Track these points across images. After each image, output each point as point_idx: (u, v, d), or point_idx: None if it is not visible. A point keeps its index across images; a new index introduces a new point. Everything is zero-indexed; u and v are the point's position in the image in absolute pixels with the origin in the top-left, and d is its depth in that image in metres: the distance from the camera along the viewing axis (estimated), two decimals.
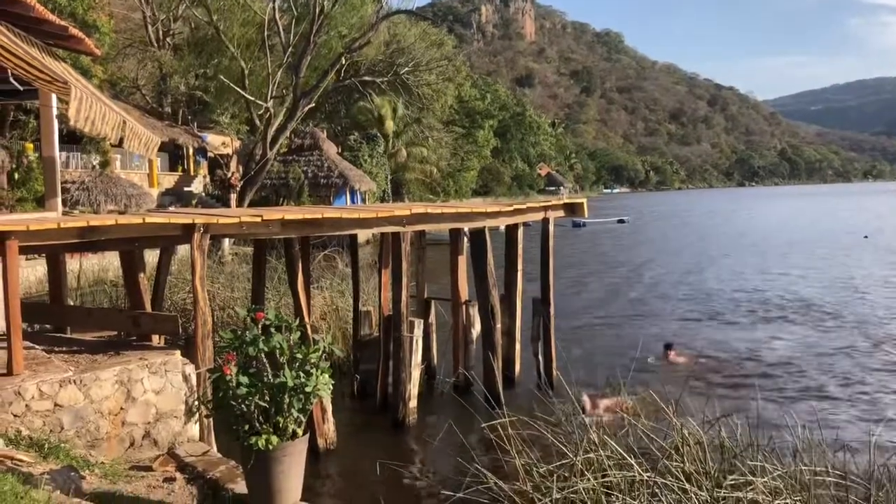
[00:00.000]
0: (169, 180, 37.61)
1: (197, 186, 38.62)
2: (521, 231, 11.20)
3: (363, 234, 17.42)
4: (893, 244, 34.86)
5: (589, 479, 5.45)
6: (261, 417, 4.50)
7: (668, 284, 23.02)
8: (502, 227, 11.23)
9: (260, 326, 4.62)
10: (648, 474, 5.45)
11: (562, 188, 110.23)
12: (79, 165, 28.66)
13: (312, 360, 4.61)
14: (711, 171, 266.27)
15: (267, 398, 4.49)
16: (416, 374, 9.48)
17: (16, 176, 23.65)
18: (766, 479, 5.31)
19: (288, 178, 36.16)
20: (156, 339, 7.44)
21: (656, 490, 5.30)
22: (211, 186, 39.04)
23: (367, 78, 39.91)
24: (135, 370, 5.96)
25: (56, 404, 5.48)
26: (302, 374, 4.54)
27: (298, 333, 4.75)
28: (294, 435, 4.57)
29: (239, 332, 4.63)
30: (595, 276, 25.36)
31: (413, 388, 9.38)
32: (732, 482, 5.36)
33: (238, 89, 33.52)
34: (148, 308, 7.75)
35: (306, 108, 33.76)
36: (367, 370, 10.33)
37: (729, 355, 13.19)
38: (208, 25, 34.37)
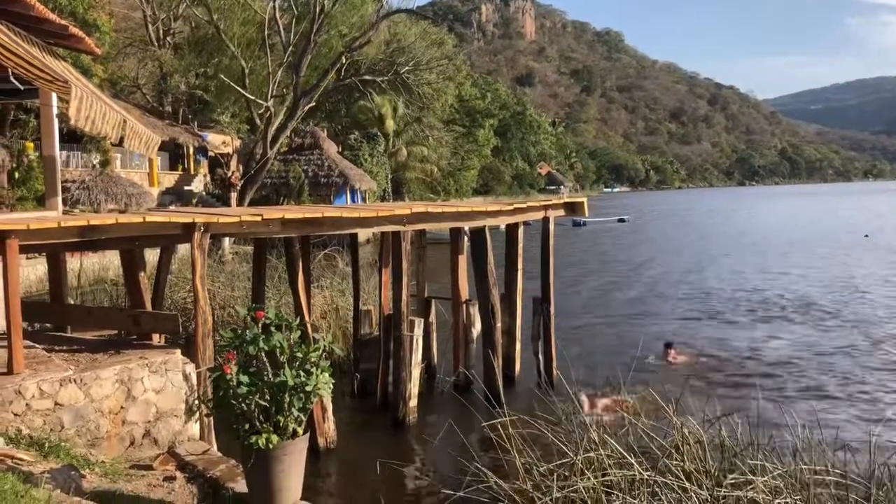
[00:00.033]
0: (169, 179, 37.63)
1: (197, 185, 38.63)
2: (521, 230, 11.20)
3: (363, 234, 17.43)
4: (894, 243, 34.85)
5: (589, 478, 5.45)
6: (261, 416, 4.50)
7: (669, 283, 23.02)
8: (503, 227, 11.23)
9: (260, 325, 4.62)
10: (649, 473, 5.45)
11: (562, 187, 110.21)
12: (79, 164, 28.66)
13: (313, 359, 4.61)
14: (712, 171, 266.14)
15: (267, 397, 4.49)
16: (416, 373, 9.49)
17: (16, 175, 23.67)
18: (766, 479, 5.32)
19: (288, 177, 36.16)
20: (156, 338, 7.44)
21: (656, 489, 5.30)
22: (211, 185, 39.05)
23: (367, 77, 39.90)
24: (135, 369, 5.96)
25: (56, 403, 5.49)
26: (302, 373, 4.54)
27: (299, 332, 4.75)
28: (294, 434, 4.57)
29: (239, 331, 4.64)
30: (595, 275, 25.37)
31: (413, 387, 9.39)
32: (732, 481, 5.37)
33: (238, 88, 33.52)
34: (148, 307, 7.75)
35: (307, 108, 33.75)
36: (368, 369, 10.34)
37: (729, 354, 13.19)
38: (208, 24, 34.36)
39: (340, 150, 43.84)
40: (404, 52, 40.50)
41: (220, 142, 40.10)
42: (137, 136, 7.49)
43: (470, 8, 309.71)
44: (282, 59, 33.62)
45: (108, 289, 16.43)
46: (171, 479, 5.29)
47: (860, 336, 14.64)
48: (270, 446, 4.41)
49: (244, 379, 4.44)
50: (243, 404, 4.45)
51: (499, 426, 6.33)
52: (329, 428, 8.48)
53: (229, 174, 33.56)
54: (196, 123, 39.66)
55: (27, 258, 16.42)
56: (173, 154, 38.84)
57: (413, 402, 9.38)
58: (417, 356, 9.55)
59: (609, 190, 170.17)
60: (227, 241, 24.65)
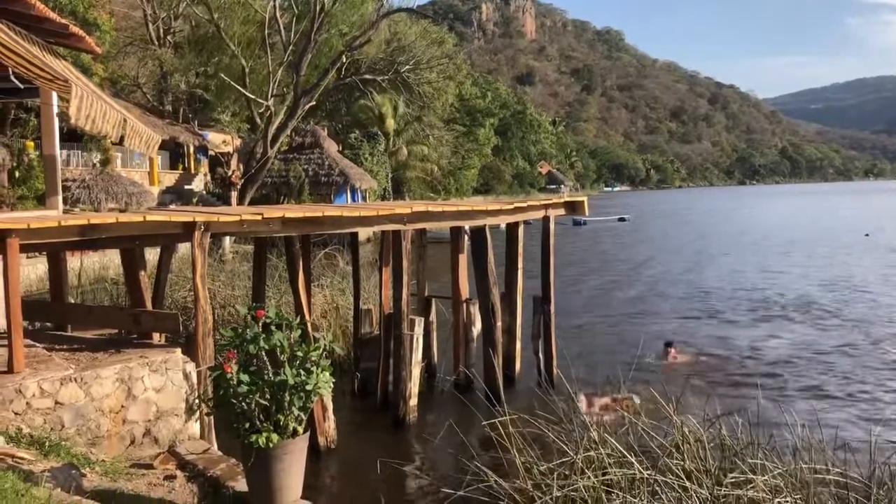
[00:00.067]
0: (170, 178, 37.64)
1: (198, 184, 38.64)
2: (521, 229, 11.20)
3: (364, 233, 17.44)
4: (894, 242, 34.84)
5: (589, 477, 5.45)
6: (261, 415, 4.51)
7: (669, 282, 23.02)
8: (503, 226, 11.23)
9: (261, 324, 4.62)
10: (649, 472, 5.45)
11: (562, 186, 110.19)
12: (79, 163, 28.67)
13: (313, 358, 4.61)
14: (712, 170, 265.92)
15: (267, 396, 4.49)
16: (416, 372, 9.49)
17: (17, 174, 23.68)
18: (766, 478, 5.32)
19: (289, 176, 36.15)
20: (156, 338, 7.44)
21: (657, 488, 5.30)
22: (212, 184, 39.06)
23: (367, 76, 39.90)
24: (135, 368, 5.97)
25: (57, 402, 5.49)
26: (302, 373, 4.54)
27: (299, 331, 4.75)
28: (295, 433, 4.57)
29: (240, 330, 4.64)
30: (596, 274, 25.37)
31: (413, 387, 9.39)
32: (733, 480, 5.37)
33: (239, 87, 33.52)
34: (149, 306, 7.75)
35: (307, 107, 33.73)
36: (368, 368, 10.34)
37: (729, 353, 13.20)
38: (209, 23, 34.35)
39: (341, 149, 43.83)
40: (405, 51, 40.50)
41: (221, 141, 40.10)
42: (138, 135, 7.49)
43: (470, 7, 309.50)
44: (282, 58, 33.61)
45: (108, 288, 16.43)
46: (171, 477, 5.30)
47: (860, 335, 14.64)
48: (271, 445, 4.41)
49: (244, 378, 4.44)
50: (243, 403, 4.45)
51: (499, 425, 6.33)
52: (329, 427, 8.48)
53: (230, 173, 33.56)
54: (196, 122, 39.68)
55: (27, 257, 16.43)
56: (174, 153, 38.87)
57: (413, 401, 9.39)
58: (418, 355, 9.55)
59: (609, 189, 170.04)
60: (227, 240, 24.65)
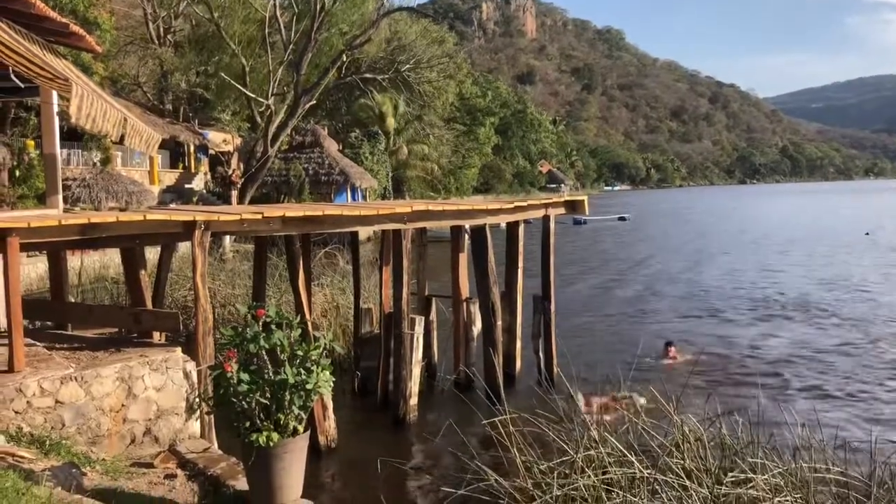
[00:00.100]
0: (170, 177, 37.63)
1: (198, 183, 38.62)
2: (522, 228, 11.20)
3: (364, 232, 17.43)
4: (894, 241, 34.84)
5: (589, 476, 5.46)
6: (262, 414, 4.51)
7: (669, 282, 23.02)
8: (503, 225, 11.23)
9: (261, 323, 4.62)
10: (649, 471, 5.45)
11: (563, 185, 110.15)
12: (80, 162, 28.66)
13: (313, 357, 4.61)
14: (713, 169, 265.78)
15: (268, 395, 4.49)
16: (416, 371, 9.49)
17: (17, 173, 23.68)
18: (766, 477, 5.32)
19: (289, 175, 36.14)
20: (157, 336, 7.45)
21: (657, 487, 5.30)
22: (212, 183, 39.04)
23: (368, 75, 39.87)
24: (136, 367, 5.97)
25: (57, 401, 5.49)
26: (303, 371, 4.54)
27: (299, 330, 4.75)
28: (295, 432, 4.57)
29: (240, 329, 4.64)
30: (596, 273, 25.37)
31: (414, 386, 9.39)
32: (733, 479, 5.37)
33: (239, 86, 33.50)
34: (149, 305, 7.76)
35: (307, 106, 33.70)
36: (368, 367, 10.34)
37: (729, 352, 13.20)
38: (209, 22, 34.33)
39: (341, 148, 43.82)
40: (405, 50, 40.48)
41: (221, 140, 40.09)
42: (138, 134, 7.49)
43: (470, 6, 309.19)
44: (282, 57, 33.60)
45: (108, 287, 16.43)
46: (171, 476, 5.30)
47: (861, 334, 14.64)
48: (271, 444, 4.41)
49: (245, 377, 4.44)
50: (244, 402, 4.45)
51: (499, 424, 6.33)
52: (330, 426, 8.49)
53: (230, 172, 33.54)
54: (197, 121, 39.66)
55: (28, 256, 16.42)
56: (174, 152, 38.85)
57: (413, 401, 9.39)
58: (418, 354, 9.55)
59: (610, 188, 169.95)
60: (227, 240, 24.65)
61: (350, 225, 8.86)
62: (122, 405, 5.85)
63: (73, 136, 25.77)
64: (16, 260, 5.72)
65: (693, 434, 5.95)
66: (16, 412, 5.29)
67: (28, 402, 5.36)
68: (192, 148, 39.88)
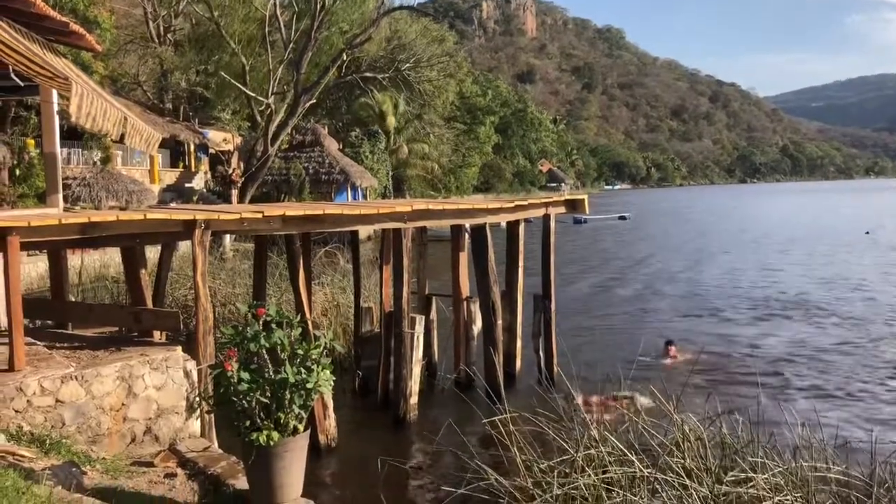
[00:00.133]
0: (170, 176, 37.64)
1: (198, 183, 38.62)
2: (522, 227, 11.19)
3: (364, 231, 17.42)
4: (895, 240, 34.83)
5: (589, 476, 5.46)
6: (262, 413, 4.51)
7: (669, 281, 23.02)
8: (503, 224, 11.23)
9: (261, 322, 4.62)
10: (649, 470, 5.45)
11: (563, 184, 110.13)
12: (80, 161, 28.66)
13: (313, 357, 4.61)
14: (713, 168, 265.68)
15: (268, 394, 4.49)
16: (417, 370, 9.49)
17: (17, 172, 23.67)
18: (766, 476, 5.32)
19: (289, 174, 36.14)
20: (157, 336, 7.44)
21: (657, 486, 5.30)
22: (212, 183, 39.04)
23: (368, 74, 39.89)
24: (136, 366, 5.97)
25: (57, 400, 5.49)
26: (303, 371, 4.54)
27: (299, 330, 4.75)
28: (295, 431, 4.57)
29: (240, 329, 4.64)
30: (596, 272, 25.37)
31: (414, 385, 9.39)
32: (733, 478, 5.37)
33: (239, 85, 33.51)
34: (149, 304, 7.76)
35: (307, 105, 33.72)
36: (369, 366, 10.34)
37: (730, 352, 13.19)
38: (209, 21, 34.35)
39: (341, 147, 43.82)
40: (405, 49, 40.49)
41: (221, 139, 40.09)
42: (138, 133, 7.49)
43: (471, 5, 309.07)
44: (282, 56, 33.61)
45: (109, 286, 16.41)
46: (172, 475, 5.30)
47: (861, 334, 14.64)
48: (271, 443, 4.42)
49: (245, 376, 4.45)
50: (244, 401, 4.45)
51: (499, 423, 6.33)
52: (330, 425, 8.49)
53: (230, 171, 33.53)
54: (197, 120, 39.65)
55: (28, 255, 16.42)
56: (174, 151, 38.85)
57: (414, 400, 9.39)
58: (418, 353, 9.55)
59: (610, 187, 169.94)
60: (228, 239, 24.65)
61: (350, 224, 8.86)
62: (123, 404, 5.85)
63: (74, 135, 25.76)
64: (16, 259, 5.72)
65: (693, 433, 5.95)
66: (16, 411, 5.29)
67: (28, 400, 5.36)
68: (192, 147, 39.88)
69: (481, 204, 10.54)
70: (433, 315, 11.50)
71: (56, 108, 9.16)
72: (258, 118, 34.22)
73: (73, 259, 16.52)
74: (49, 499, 4.18)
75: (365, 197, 39.20)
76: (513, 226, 11.13)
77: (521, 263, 11.17)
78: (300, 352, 4.60)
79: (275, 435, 4.44)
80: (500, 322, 10.47)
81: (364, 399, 10.30)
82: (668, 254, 31.56)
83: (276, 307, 4.83)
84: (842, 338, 14.32)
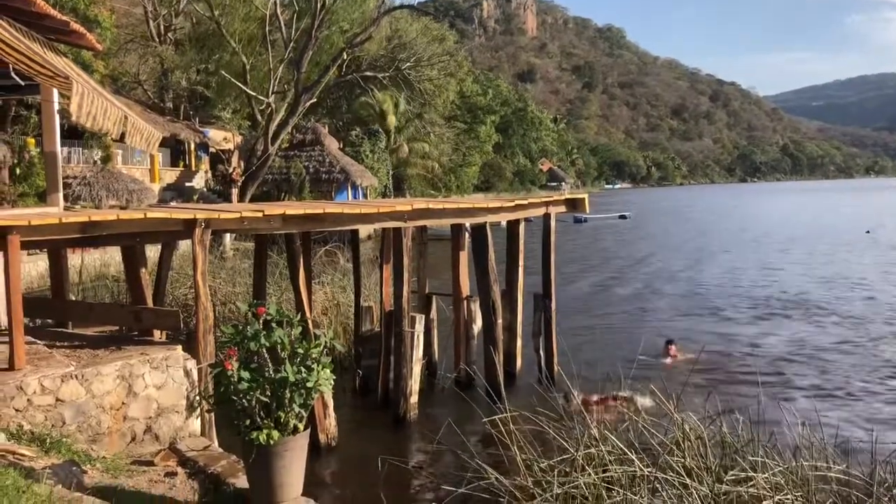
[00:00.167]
0: (170, 175, 37.64)
1: (198, 182, 38.63)
2: (522, 226, 11.19)
3: (364, 230, 17.39)
4: (895, 240, 34.82)
5: (590, 474, 5.46)
6: (262, 412, 4.51)
7: (669, 280, 23.01)
8: (504, 223, 11.22)
9: (261, 321, 4.62)
10: (649, 469, 5.45)
11: (563, 184, 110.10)
12: (80, 160, 28.67)
13: (314, 356, 4.61)
14: (713, 167, 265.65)
15: (268, 393, 4.49)
16: (417, 369, 9.49)
17: (17, 171, 23.68)
18: (766, 475, 5.32)
19: (289, 173, 36.14)
20: (157, 335, 7.44)
21: (657, 485, 5.30)
22: (212, 182, 39.06)
23: (368, 73, 39.88)
24: (136, 365, 5.97)
25: (58, 399, 5.49)
26: (303, 370, 4.54)
27: (300, 328, 4.75)
28: (295, 430, 4.57)
29: (240, 327, 4.64)
30: (596, 271, 25.36)
31: (414, 384, 9.39)
32: (733, 477, 5.37)
33: (239, 84, 33.52)
34: (149, 303, 7.76)
35: (308, 104, 33.72)
36: (369, 365, 10.34)
37: (730, 351, 13.19)
38: (210, 20, 34.34)
39: (342, 146, 43.82)
40: (405, 48, 40.49)
41: (222, 138, 40.09)
42: (139, 132, 7.48)
43: (471, 4, 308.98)
44: (283, 55, 33.61)
45: (109, 285, 16.42)
46: (172, 474, 5.30)
47: (861, 333, 14.63)
48: (271, 442, 4.41)
49: (245, 375, 4.45)
50: (244, 400, 4.45)
51: (500, 422, 6.33)
52: (330, 424, 8.49)
53: (230, 170, 33.54)
54: (197, 120, 39.67)
55: (28, 254, 16.43)
56: (174, 150, 38.86)
57: (414, 399, 9.39)
58: (418, 352, 9.55)
59: (610, 186, 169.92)
60: (228, 238, 24.65)
61: (351, 223, 8.86)
62: (123, 403, 5.85)
63: (74, 134, 25.79)
64: (16, 258, 5.72)
65: (694, 432, 5.94)
66: (16, 410, 5.29)
67: (29, 399, 5.36)
68: (192, 146, 39.89)
69: (481, 203, 10.54)
70: (433, 314, 11.50)
71: (56, 107, 9.15)
72: (259, 117, 34.22)
73: (74, 258, 16.52)
74: (49, 498, 4.18)
75: (365, 196, 39.20)
76: (513, 225, 11.12)
77: (521, 262, 11.17)
78: (300, 351, 4.60)
79: (275, 434, 4.44)
80: (500, 321, 10.47)
81: (364, 398, 10.30)
82: (669, 253, 31.56)
83: (276, 306, 4.83)
84: (842, 337, 14.32)
